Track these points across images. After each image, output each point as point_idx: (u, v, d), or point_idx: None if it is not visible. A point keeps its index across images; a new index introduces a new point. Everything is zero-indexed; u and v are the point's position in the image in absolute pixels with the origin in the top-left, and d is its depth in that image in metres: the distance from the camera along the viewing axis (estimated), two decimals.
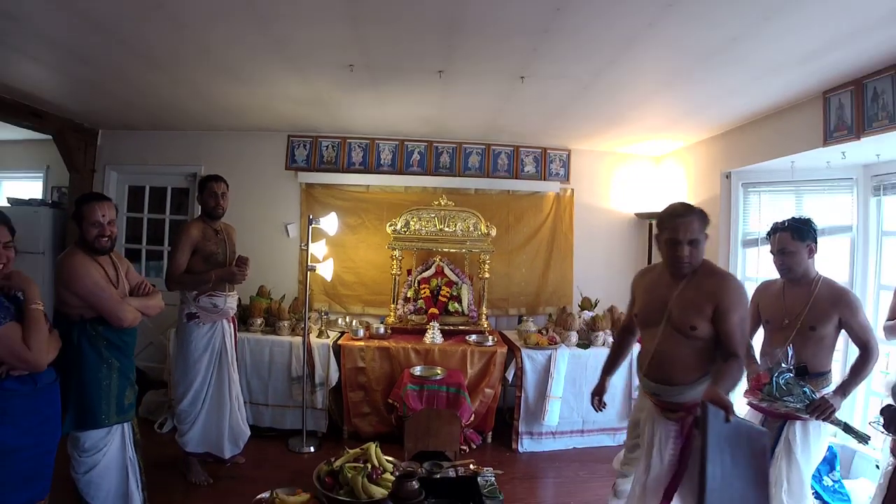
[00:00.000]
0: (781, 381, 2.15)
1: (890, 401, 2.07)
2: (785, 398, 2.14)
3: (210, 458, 3.13)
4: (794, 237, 2.27)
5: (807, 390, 2.14)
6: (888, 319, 2.42)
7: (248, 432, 3.28)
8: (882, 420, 2.04)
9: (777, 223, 2.36)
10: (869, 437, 2.16)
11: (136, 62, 2.94)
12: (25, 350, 1.75)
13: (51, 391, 1.93)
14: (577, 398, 3.78)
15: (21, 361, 1.75)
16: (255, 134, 4.61)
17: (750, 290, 3.64)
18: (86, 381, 2.15)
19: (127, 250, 4.68)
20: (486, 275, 4.20)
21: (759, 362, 2.39)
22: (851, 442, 2.44)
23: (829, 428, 2.20)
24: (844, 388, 2.20)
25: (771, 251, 2.37)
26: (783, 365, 2.21)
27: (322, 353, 3.73)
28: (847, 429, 2.14)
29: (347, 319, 4.30)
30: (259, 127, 4.47)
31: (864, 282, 3.19)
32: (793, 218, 2.34)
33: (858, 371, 2.21)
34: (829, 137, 2.84)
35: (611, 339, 3.93)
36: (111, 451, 2.24)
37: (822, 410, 2.11)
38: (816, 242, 2.30)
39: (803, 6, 1.98)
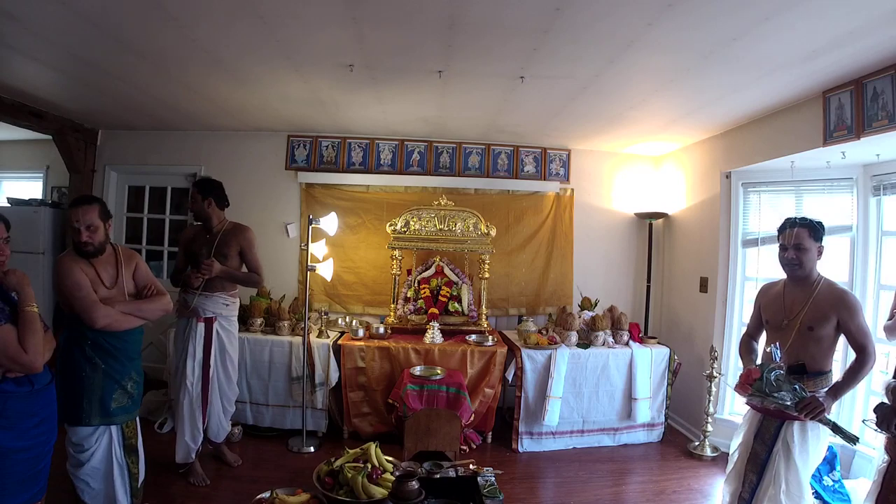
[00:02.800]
0: (772, 377, 2.15)
1: (885, 400, 2.06)
2: (774, 394, 2.13)
3: (210, 444, 3.20)
4: (810, 234, 2.27)
5: (797, 388, 2.13)
6: (889, 319, 2.41)
7: (229, 428, 3.30)
8: (875, 418, 2.04)
9: (792, 218, 2.35)
10: (857, 438, 2.15)
11: (136, 62, 2.94)
12: (21, 352, 1.75)
13: (48, 392, 1.93)
14: (576, 398, 3.78)
15: (17, 364, 1.75)
16: (255, 134, 4.61)
17: (751, 291, 3.70)
18: (68, 377, 2.18)
19: None
20: (486, 275, 4.20)
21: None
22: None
23: (826, 429, 2.19)
24: (836, 390, 2.20)
25: (784, 244, 2.33)
26: (774, 361, 2.21)
27: (322, 353, 3.73)
28: (835, 429, 2.13)
29: (347, 319, 4.30)
30: (259, 127, 4.48)
31: (864, 282, 3.19)
32: (804, 216, 2.33)
33: (853, 374, 2.20)
34: (828, 137, 2.84)
35: (611, 339, 3.93)
36: (98, 453, 2.23)
37: (811, 409, 2.10)
38: (823, 245, 2.31)
39: (803, 6, 1.98)
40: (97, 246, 2.27)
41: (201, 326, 3.09)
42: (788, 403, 2.12)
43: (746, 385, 2.23)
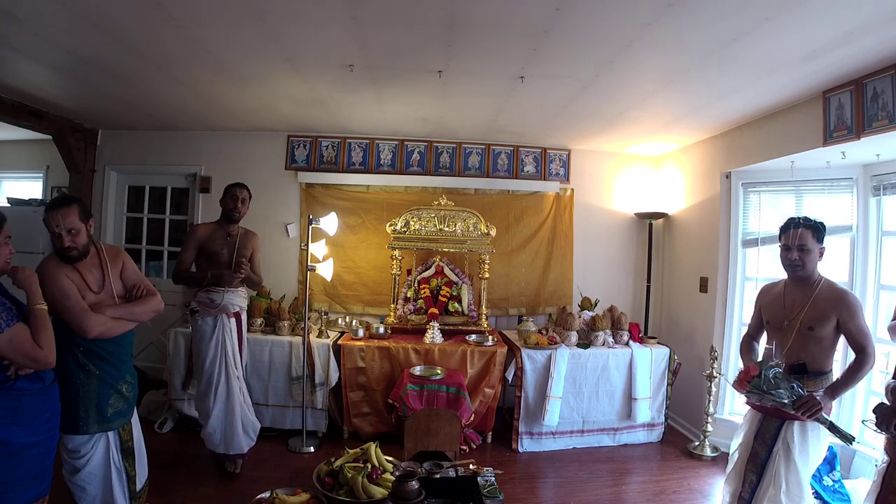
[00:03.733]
0: (770, 375, 2.15)
1: (885, 400, 2.06)
2: (772, 392, 2.13)
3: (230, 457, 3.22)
4: (813, 236, 2.27)
5: (794, 386, 2.14)
6: (893, 319, 2.41)
7: (259, 424, 3.35)
8: (875, 418, 2.04)
9: (795, 218, 2.34)
10: (853, 438, 2.15)
11: (136, 62, 2.94)
12: (37, 349, 1.78)
13: (54, 389, 1.96)
14: (576, 398, 3.78)
15: (33, 360, 1.78)
16: (255, 134, 4.61)
17: (751, 291, 3.70)
18: (64, 386, 2.08)
19: (127, 250, 4.69)
20: (486, 275, 4.20)
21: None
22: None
23: (826, 429, 2.19)
24: (834, 390, 2.20)
25: (787, 245, 2.32)
26: (773, 360, 2.21)
27: (322, 353, 3.73)
28: (832, 428, 2.13)
29: (347, 319, 4.30)
30: (259, 127, 4.48)
31: (864, 282, 3.19)
32: (807, 217, 2.33)
33: (852, 374, 2.20)
34: (828, 137, 2.85)
35: (611, 339, 3.93)
36: (95, 459, 2.18)
37: (808, 407, 2.10)
38: (824, 247, 2.31)
39: (803, 7, 1.98)
40: (81, 250, 2.12)
41: (233, 321, 3.21)
42: (786, 401, 2.12)
43: (744, 382, 2.23)
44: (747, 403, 2.41)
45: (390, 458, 2.89)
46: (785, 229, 2.35)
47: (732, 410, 3.89)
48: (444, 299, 4.21)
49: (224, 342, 3.15)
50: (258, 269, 3.41)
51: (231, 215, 3.25)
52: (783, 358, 2.25)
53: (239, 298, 3.27)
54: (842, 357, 2.97)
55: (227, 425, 3.13)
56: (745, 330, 2.68)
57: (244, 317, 3.37)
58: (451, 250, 4.24)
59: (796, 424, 2.20)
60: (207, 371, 3.12)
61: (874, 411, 2.05)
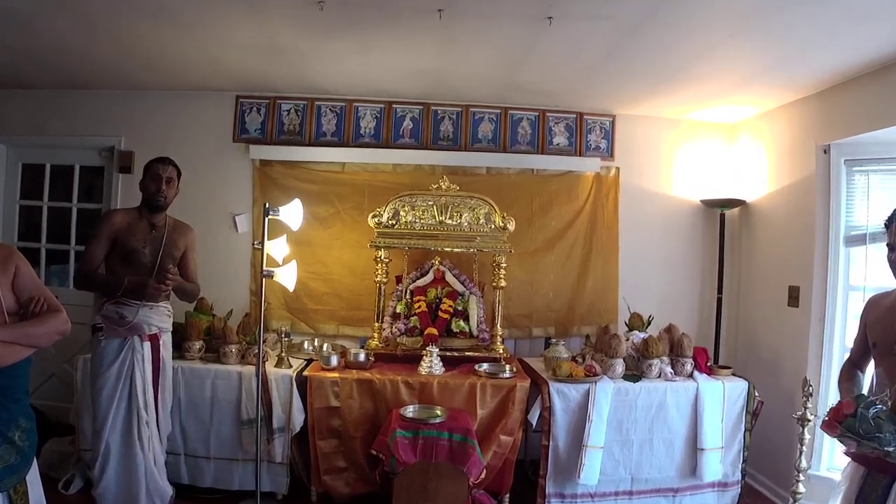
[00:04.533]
0: (869, 414, 2.14)
1: None
2: (872, 436, 2.12)
3: None
4: None
5: None
6: None
7: (171, 491, 3.30)
8: None
9: None
10: None
11: (33, 1, 2.96)
12: None
13: None
14: (623, 448, 3.78)
15: None
16: (193, 95, 4.64)
17: (857, 304, 3.69)
18: None
19: (21, 250, 4.69)
20: (502, 283, 4.20)
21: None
22: None
23: None
24: None
25: (888, 244, 2.34)
26: (876, 394, 2.21)
27: (282, 388, 3.74)
28: None
29: (316, 343, 4.32)
30: (199, 86, 4.50)
31: None
32: None
33: None
34: None
35: (669, 370, 3.93)
36: None
37: None
38: None
39: None
40: None
41: (147, 346, 3.19)
42: (890, 450, 2.11)
43: (834, 423, 2.22)
44: (846, 453, 2.41)
45: None
46: (888, 224, 2.36)
47: (832, 465, 3.89)
48: (445, 316, 4.22)
49: (132, 373, 3.11)
50: (193, 275, 3.42)
51: (154, 201, 3.24)
52: (892, 392, 2.24)
53: (159, 316, 3.27)
54: None
55: (125, 488, 3.08)
56: (847, 355, 2.68)
57: (166, 340, 3.36)
58: (456, 250, 4.25)
59: None
60: (102, 408, 3.07)
61: None
